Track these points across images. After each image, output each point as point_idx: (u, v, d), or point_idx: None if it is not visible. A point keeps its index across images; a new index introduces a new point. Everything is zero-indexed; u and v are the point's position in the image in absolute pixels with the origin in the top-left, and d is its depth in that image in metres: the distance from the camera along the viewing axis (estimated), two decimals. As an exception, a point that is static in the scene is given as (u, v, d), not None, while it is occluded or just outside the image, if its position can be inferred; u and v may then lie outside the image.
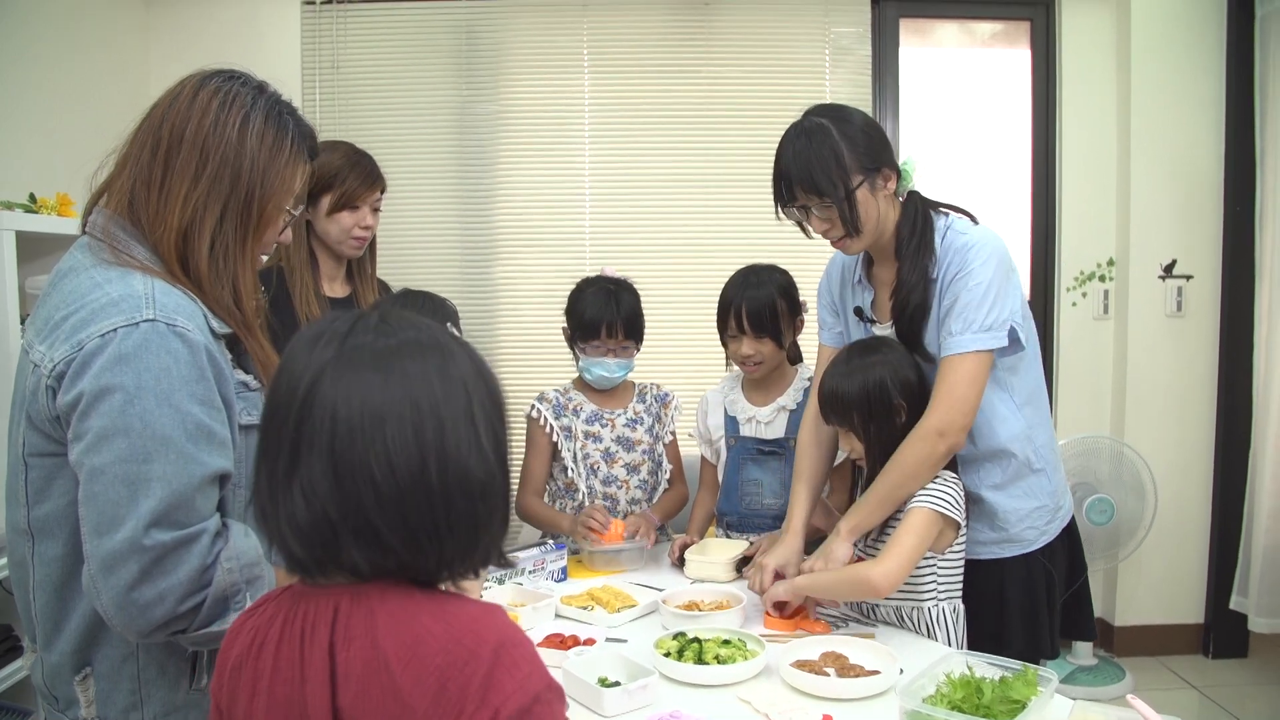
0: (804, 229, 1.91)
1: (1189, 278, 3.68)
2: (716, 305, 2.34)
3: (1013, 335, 1.80)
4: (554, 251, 3.63)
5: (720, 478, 2.42)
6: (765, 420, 2.36)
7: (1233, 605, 3.66)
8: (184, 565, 1.15)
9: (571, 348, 2.46)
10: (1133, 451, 3.49)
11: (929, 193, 1.96)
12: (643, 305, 2.48)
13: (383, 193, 2.44)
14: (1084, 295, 3.76)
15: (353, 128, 3.58)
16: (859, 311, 2.02)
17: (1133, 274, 3.67)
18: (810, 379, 2.37)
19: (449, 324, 2.36)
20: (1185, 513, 3.73)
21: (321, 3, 3.60)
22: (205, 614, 1.17)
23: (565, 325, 2.46)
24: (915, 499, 1.80)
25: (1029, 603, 1.92)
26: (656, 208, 3.65)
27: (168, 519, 1.14)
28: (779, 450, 2.32)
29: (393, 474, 0.84)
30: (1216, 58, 3.63)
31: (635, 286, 2.47)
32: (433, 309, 2.36)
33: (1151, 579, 3.73)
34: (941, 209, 1.93)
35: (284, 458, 0.86)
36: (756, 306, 2.26)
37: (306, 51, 3.61)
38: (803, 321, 2.36)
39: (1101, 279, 3.76)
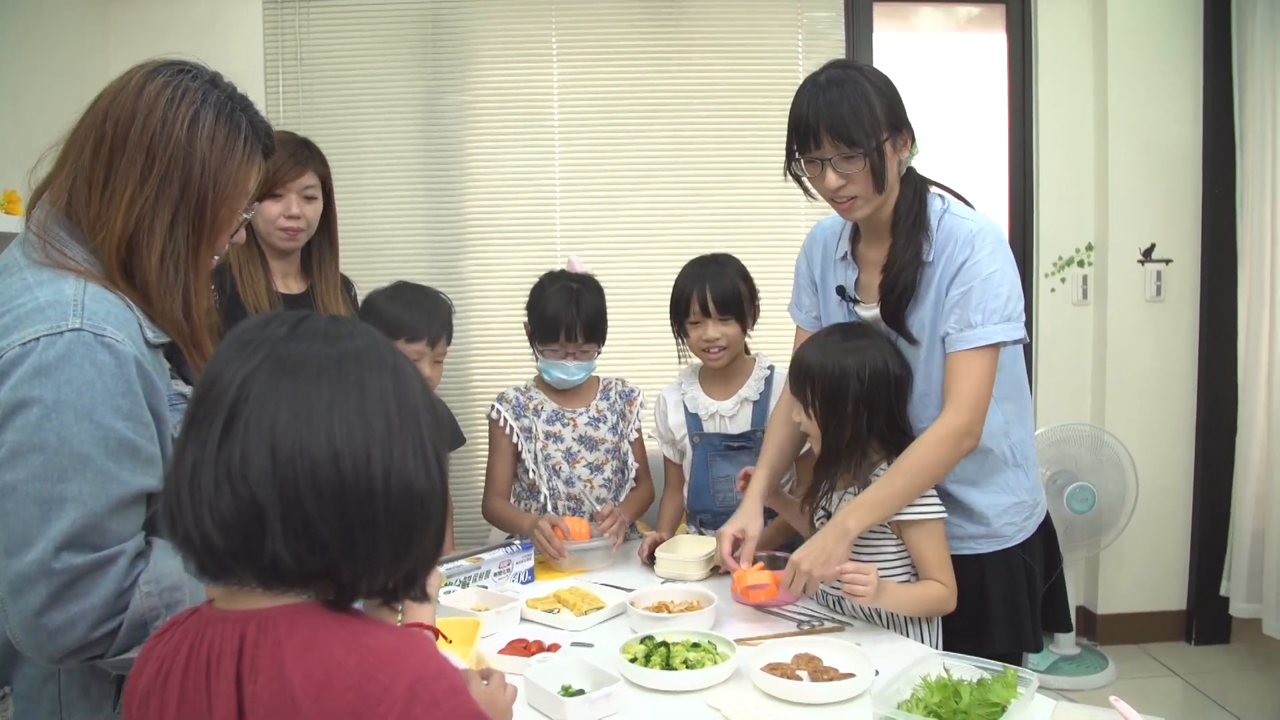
0: (805, 188, 1.84)
1: (1168, 262, 3.64)
2: (670, 297, 2.27)
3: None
4: (524, 245, 3.55)
5: (688, 476, 2.35)
6: (729, 414, 2.30)
7: (1221, 591, 3.64)
8: (97, 590, 1.08)
9: (532, 345, 2.39)
10: (1113, 438, 3.45)
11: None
12: (614, 298, 2.41)
13: (323, 180, 2.27)
14: (1063, 281, 3.71)
15: (317, 122, 3.49)
16: (841, 290, 1.94)
17: (1112, 259, 3.63)
18: (770, 367, 2.33)
19: (447, 315, 2.31)
20: (1166, 499, 3.70)
21: (283, -7, 3.51)
22: (122, 639, 1.10)
23: (526, 321, 2.39)
24: (920, 511, 1.77)
25: (1011, 597, 1.87)
26: (628, 199, 3.58)
27: (81, 541, 1.07)
28: (747, 444, 2.26)
29: (336, 462, 0.80)
30: (1194, 40, 3.59)
31: (600, 282, 2.40)
32: (432, 304, 2.30)
33: (1133, 566, 3.70)
34: (936, 190, 1.87)
35: (213, 440, 0.80)
36: (720, 287, 2.22)
37: (269, 44, 3.52)
38: (758, 309, 2.31)
39: (1080, 264, 3.71)
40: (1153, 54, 3.58)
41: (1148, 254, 3.63)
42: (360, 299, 2.43)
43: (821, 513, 1.89)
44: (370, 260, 3.44)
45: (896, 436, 1.82)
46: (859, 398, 1.78)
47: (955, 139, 3.77)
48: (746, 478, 2.04)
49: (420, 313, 2.27)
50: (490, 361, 3.54)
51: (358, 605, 0.89)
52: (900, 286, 1.80)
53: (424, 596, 0.91)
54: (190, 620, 0.86)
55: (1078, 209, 3.70)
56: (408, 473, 0.84)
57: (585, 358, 2.34)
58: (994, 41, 3.77)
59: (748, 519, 1.93)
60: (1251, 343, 3.52)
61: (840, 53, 3.62)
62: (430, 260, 3.55)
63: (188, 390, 1.26)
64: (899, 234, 1.80)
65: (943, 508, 1.79)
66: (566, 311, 2.28)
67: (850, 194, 1.74)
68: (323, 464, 0.80)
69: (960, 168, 3.75)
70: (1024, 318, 1.75)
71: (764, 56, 3.60)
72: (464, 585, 2.00)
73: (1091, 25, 3.65)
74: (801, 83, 1.78)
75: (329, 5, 3.53)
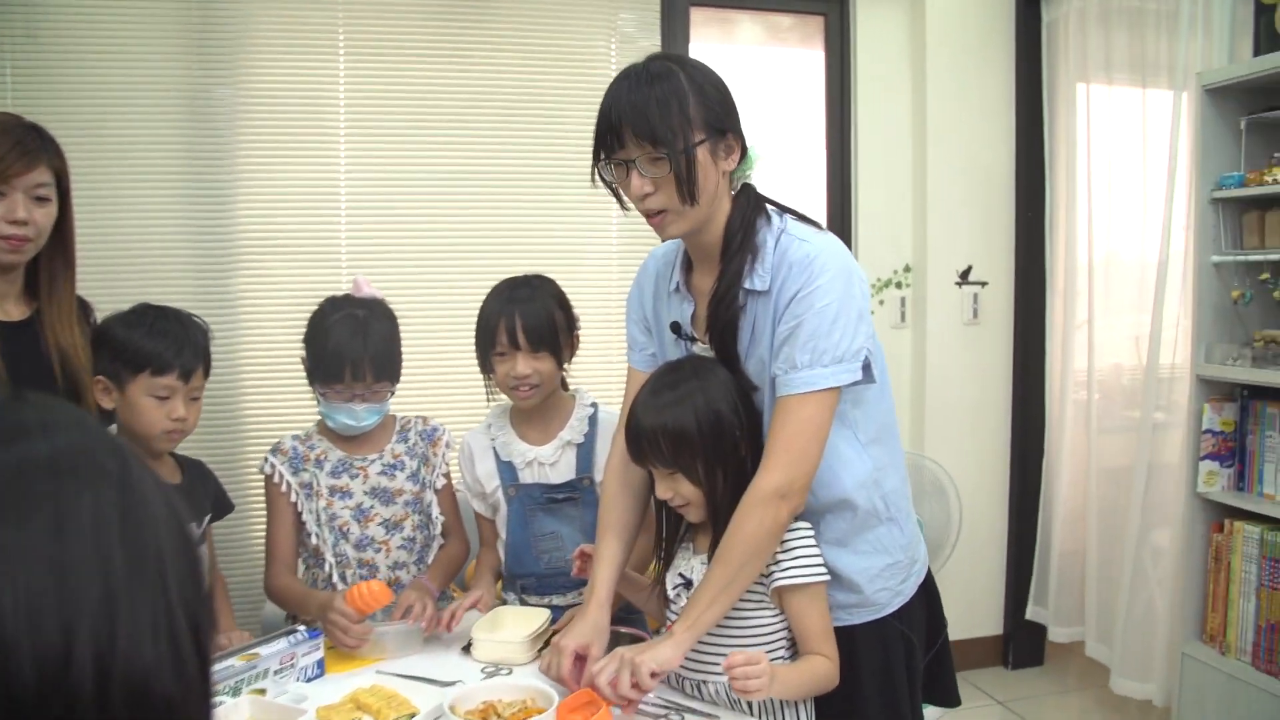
0: (619, 197, 1.59)
1: (985, 284, 3.61)
2: (476, 325, 1.96)
3: (865, 365, 1.52)
4: (305, 261, 3.12)
5: (504, 534, 2.02)
6: (549, 461, 1.99)
7: (1029, 616, 3.64)
8: None
9: (312, 385, 2.01)
10: (934, 464, 3.36)
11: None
12: (411, 326, 2.08)
13: (59, 177, 1.81)
14: (881, 303, 3.62)
15: (54, 111, 2.92)
16: (676, 327, 1.68)
17: (930, 281, 3.57)
18: (594, 405, 2.05)
19: (203, 342, 1.88)
20: (985, 524, 3.66)
21: (10, -41, 2.96)
22: None
23: (304, 355, 2.01)
24: (802, 574, 1.51)
25: (885, 672, 1.63)
26: (426, 212, 3.21)
27: None
28: (573, 494, 1.96)
29: (7, 655, 0.45)
30: (1007, 62, 3.58)
31: (392, 308, 2.06)
32: (181, 328, 1.87)
33: (955, 593, 3.58)
34: (776, 209, 1.62)
35: None
36: (532, 316, 1.91)
37: (-8, 15, 2.96)
38: (578, 340, 2.03)
39: (899, 286, 3.63)
40: (969, 74, 3.55)
41: (965, 276, 3.59)
42: None
43: (680, 579, 1.61)
44: (117, 278, 2.93)
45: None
46: (738, 425, 1.54)
47: (772, 157, 3.60)
48: (584, 557, 1.73)
49: (167, 340, 1.83)
50: (266, 397, 3.08)
51: None
52: (723, 321, 1.57)
53: None
54: None
55: (896, 230, 3.62)
56: (141, 665, 0.48)
57: (376, 399, 1.98)
58: (814, 57, 3.65)
59: (591, 629, 1.61)
60: (1058, 365, 3.55)
61: (655, 61, 3.39)
62: (193, 278, 3.05)
63: None
64: (726, 259, 1.57)
65: (825, 569, 1.55)
66: (352, 345, 1.92)
67: (658, 205, 1.51)
68: None
69: (777, 186, 3.60)
70: (865, 356, 1.52)
71: (575, 60, 3.32)
72: (235, 693, 1.60)
73: (909, 45, 3.59)
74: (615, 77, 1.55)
75: (68, -24, 3.01)
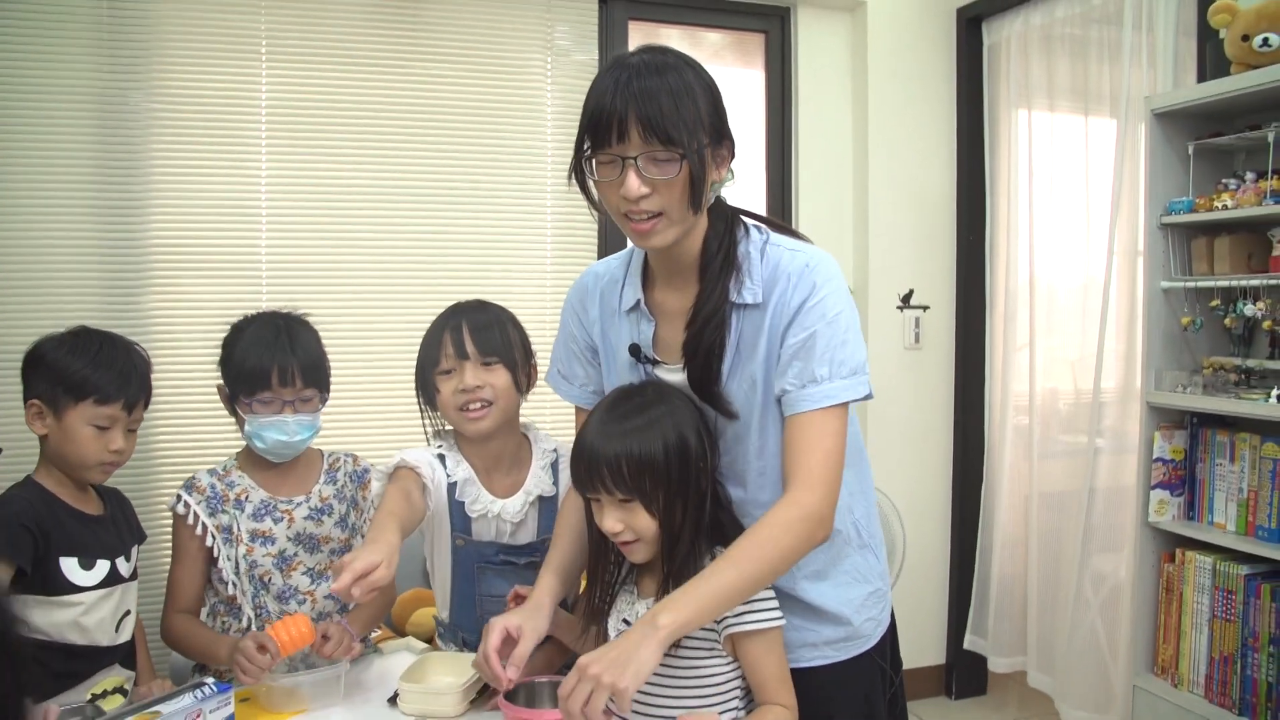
0: (591, 199, 1.43)
1: (926, 308, 3.56)
2: (418, 353, 1.80)
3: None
4: (222, 278, 2.92)
5: (443, 570, 1.81)
6: (513, 518, 1.78)
7: (967, 645, 3.60)
8: None
9: (232, 410, 1.84)
10: (879, 493, 3.28)
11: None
12: (333, 349, 1.92)
13: None
14: (824, 327, 3.54)
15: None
16: (636, 351, 1.51)
17: (872, 304, 3.51)
18: (556, 450, 1.87)
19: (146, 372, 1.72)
20: (927, 552, 3.61)
21: (-102, -50, 2.72)
22: None
23: (220, 382, 1.85)
24: (759, 619, 1.40)
25: (867, 709, 1.53)
26: (350, 226, 3.04)
27: None
28: (533, 558, 1.75)
29: None
30: (949, 84, 3.56)
31: (315, 327, 1.91)
32: (125, 357, 1.72)
33: (899, 621, 3.55)
34: (752, 221, 1.51)
35: None
36: (481, 324, 1.75)
37: (-120, 13, 2.72)
38: (536, 372, 1.85)
39: (841, 310, 3.56)
40: (911, 96, 3.52)
41: (906, 300, 3.54)
42: None
43: (624, 625, 1.48)
44: (21, 293, 2.74)
45: (723, 519, 1.47)
46: (699, 469, 1.42)
47: (743, 172, 3.53)
48: (519, 599, 1.58)
49: (113, 370, 1.71)
50: (179, 424, 2.87)
51: None
52: (707, 343, 1.43)
53: None
54: None
55: (838, 252, 3.56)
56: None
57: (307, 408, 1.82)
58: (752, 76, 3.58)
59: (530, 614, 1.50)
60: (999, 389, 3.52)
61: (591, 75, 3.28)
62: (102, 293, 2.83)
63: None
64: (708, 276, 1.44)
65: (780, 613, 1.43)
66: (276, 348, 1.78)
67: (655, 208, 1.35)
68: None
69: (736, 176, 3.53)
70: (868, 366, 1.45)
71: (509, 72, 3.18)
72: (130, 758, 1.43)
73: (851, 65, 3.55)
74: (607, 63, 1.43)
75: (-35, -30, 2.78)
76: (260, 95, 2.97)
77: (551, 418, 2.80)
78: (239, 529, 1.82)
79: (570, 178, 1.40)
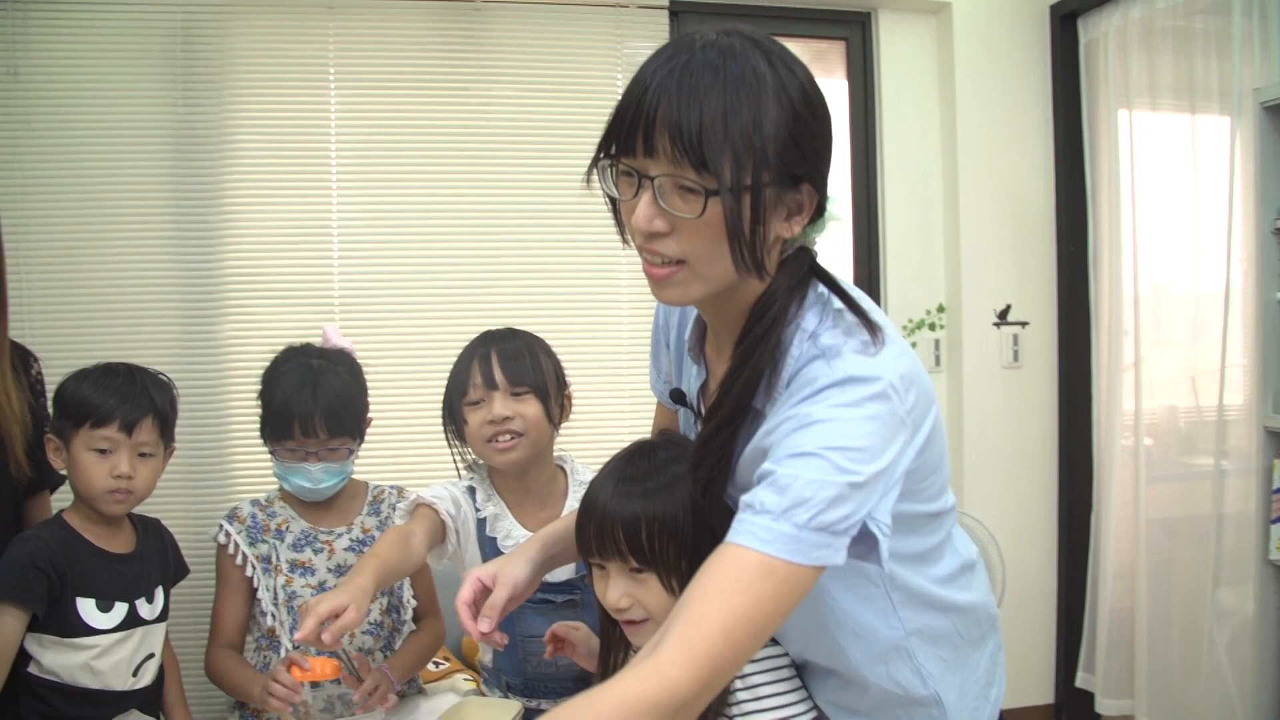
0: (618, 219, 1.10)
1: (1025, 324, 3.36)
2: (447, 383, 1.72)
3: (866, 537, 0.99)
4: (296, 305, 2.92)
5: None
6: None
7: (1079, 683, 3.35)
8: None
9: (266, 444, 1.81)
10: (974, 521, 3.10)
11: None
12: (404, 378, 1.87)
13: None
14: (914, 346, 3.36)
15: (37, 149, 2.81)
16: (679, 397, 1.29)
17: (966, 321, 3.33)
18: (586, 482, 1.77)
19: (158, 397, 1.70)
20: (1032, 584, 3.38)
21: (-9, -6, 2.82)
22: None
23: (261, 413, 1.81)
24: None
25: None
26: (421, 252, 3.01)
27: None
28: (572, 595, 1.65)
29: None
30: (1043, 87, 3.37)
31: (387, 359, 1.85)
32: (129, 380, 1.69)
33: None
34: (831, 288, 1.10)
35: None
36: (510, 352, 1.66)
37: (-26, 54, 2.82)
38: (570, 401, 1.75)
39: (932, 327, 3.40)
40: (1002, 101, 3.34)
41: (1003, 316, 3.35)
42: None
43: None
44: (100, 323, 2.79)
45: None
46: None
47: (845, 217, 3.41)
48: (556, 639, 1.46)
49: (109, 391, 1.68)
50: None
51: None
52: (717, 447, 1.08)
53: None
54: None
55: (927, 268, 3.39)
56: None
57: (334, 458, 1.77)
58: (835, 87, 3.45)
59: (506, 561, 1.34)
60: (1107, 410, 3.29)
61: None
62: (179, 323, 2.87)
63: None
64: (742, 353, 1.07)
65: (809, 709, 1.23)
66: (300, 396, 1.73)
67: (672, 253, 1.02)
68: None
69: (843, 220, 3.41)
70: (855, 529, 0.97)
71: (579, 91, 3.12)
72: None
73: (937, 69, 3.39)
74: (670, 41, 1.09)
75: (53, 10, 2.86)
76: (330, 122, 2.98)
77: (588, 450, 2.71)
78: (278, 559, 1.78)
79: (587, 180, 1.08)
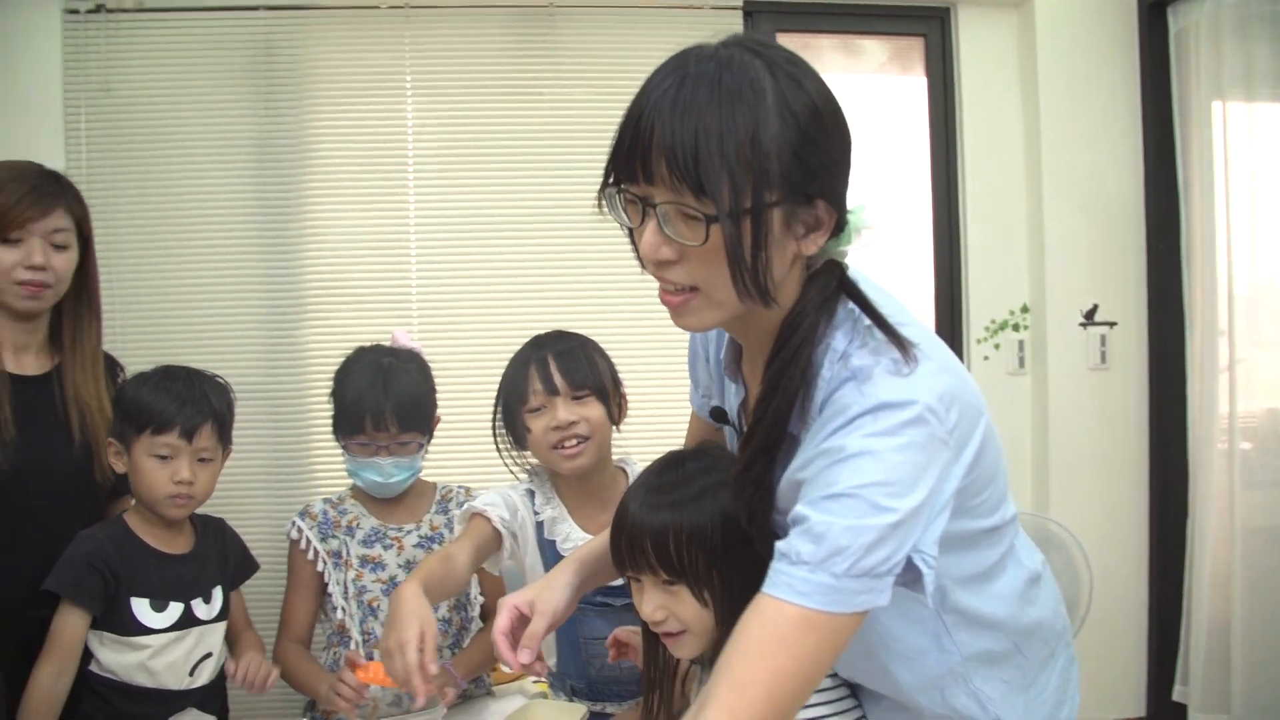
0: (634, 243, 1.06)
1: (1113, 324, 3.25)
2: (500, 389, 1.72)
3: (910, 569, 0.96)
4: (375, 310, 2.98)
5: None
6: None
7: (1176, 696, 3.22)
8: None
9: (338, 441, 1.84)
10: (1060, 527, 3.01)
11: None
12: (480, 381, 1.89)
13: (79, 224, 1.77)
14: (996, 347, 3.30)
15: (127, 161, 2.94)
16: (719, 414, 1.25)
17: (1050, 322, 3.23)
18: None
19: (217, 402, 1.74)
20: (1121, 593, 3.26)
21: (87, 11, 2.94)
22: None
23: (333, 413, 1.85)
24: None
25: None
26: (497, 257, 3.04)
27: None
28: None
29: None
30: (1131, 79, 3.26)
31: (462, 362, 1.88)
32: (187, 386, 1.73)
33: (1088, 671, 3.16)
34: (864, 306, 1.04)
35: None
36: (569, 356, 1.65)
37: (70, 71, 2.95)
38: (626, 401, 1.74)
39: (1016, 328, 3.31)
40: (1087, 94, 3.24)
41: (1090, 316, 3.25)
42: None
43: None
44: (189, 329, 2.89)
45: None
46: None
47: (871, 194, 3.35)
48: (619, 644, 1.45)
49: (169, 397, 1.70)
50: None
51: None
52: (755, 477, 1.04)
53: None
54: None
55: (1011, 267, 3.31)
56: None
57: (404, 452, 1.80)
58: (913, 84, 3.39)
59: (543, 588, 1.30)
60: (1202, 413, 3.16)
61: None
62: (261, 330, 2.96)
63: None
64: (773, 376, 1.02)
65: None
66: (371, 391, 1.76)
67: (683, 280, 1.00)
68: None
69: (879, 226, 3.35)
70: (896, 569, 0.94)
71: (653, 94, 3.12)
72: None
73: (1019, 64, 3.30)
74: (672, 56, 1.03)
75: (141, 26, 2.97)
76: (406, 128, 3.03)
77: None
78: (348, 554, 1.81)
79: (600, 206, 1.07)
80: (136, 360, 2.10)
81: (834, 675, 1.21)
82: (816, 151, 0.96)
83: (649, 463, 1.75)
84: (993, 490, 1.08)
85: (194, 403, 1.71)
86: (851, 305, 1.04)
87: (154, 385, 1.71)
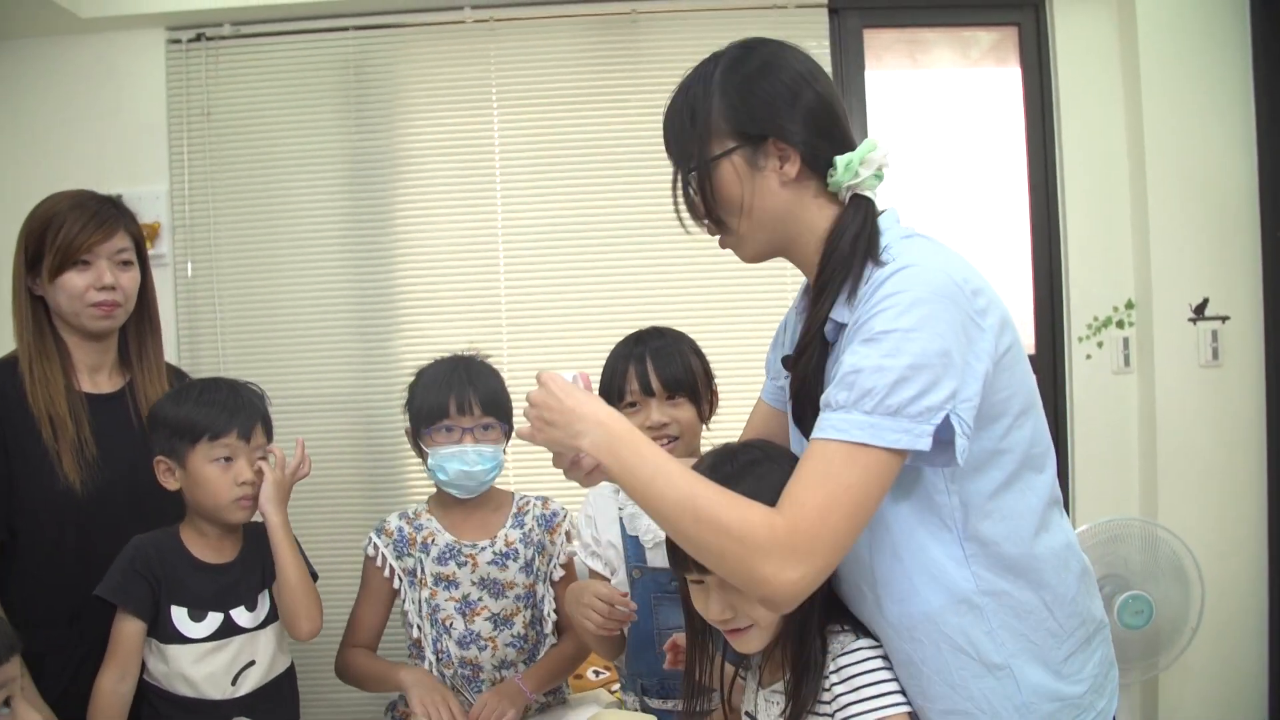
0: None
1: (1225, 319, 3.09)
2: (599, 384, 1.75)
3: (945, 432, 1.09)
4: (465, 322, 3.05)
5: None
6: None
7: (1303, 711, 3.06)
8: None
9: (417, 450, 1.87)
10: (1169, 534, 2.87)
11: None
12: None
13: (136, 243, 1.86)
14: (1100, 345, 3.17)
15: (228, 182, 3.07)
16: (787, 362, 1.33)
17: (1157, 317, 3.08)
18: None
19: (259, 405, 1.79)
20: (1237, 602, 3.09)
21: (189, 40, 3.07)
22: None
23: (407, 424, 1.88)
24: (864, 711, 1.19)
25: None
26: (584, 267, 3.07)
27: None
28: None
29: None
30: (1241, 58, 3.08)
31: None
32: (230, 395, 1.79)
33: (1202, 685, 3.09)
34: (894, 225, 1.26)
35: None
36: (665, 358, 1.70)
37: (174, 96, 3.09)
38: (717, 395, 1.78)
39: (1120, 325, 3.17)
40: (1194, 77, 3.07)
41: (1200, 310, 3.09)
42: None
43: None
44: (288, 342, 3.01)
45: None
46: None
47: (966, 188, 3.26)
48: (676, 648, 1.47)
49: (217, 405, 1.75)
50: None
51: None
52: (801, 373, 1.22)
53: None
54: None
55: (1114, 261, 3.17)
56: None
57: (488, 438, 1.82)
58: (1007, 75, 3.28)
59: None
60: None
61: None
62: (357, 340, 3.05)
63: None
64: (819, 286, 1.24)
65: (903, 697, 1.22)
66: (454, 378, 1.82)
67: (699, 218, 1.37)
68: None
69: (975, 219, 3.26)
70: (939, 418, 1.08)
71: (738, 97, 3.10)
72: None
73: (1119, 46, 3.16)
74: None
75: (240, 51, 3.10)
76: (493, 140, 3.08)
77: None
78: (423, 572, 1.84)
79: (676, 206, 1.38)
80: (238, 373, 2.19)
81: (877, 647, 1.24)
82: (760, 103, 1.24)
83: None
84: (1019, 400, 1.19)
85: (244, 406, 1.76)
86: (881, 223, 1.24)
87: (198, 398, 1.75)
